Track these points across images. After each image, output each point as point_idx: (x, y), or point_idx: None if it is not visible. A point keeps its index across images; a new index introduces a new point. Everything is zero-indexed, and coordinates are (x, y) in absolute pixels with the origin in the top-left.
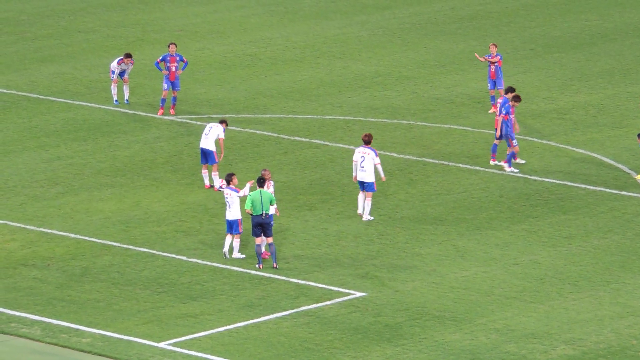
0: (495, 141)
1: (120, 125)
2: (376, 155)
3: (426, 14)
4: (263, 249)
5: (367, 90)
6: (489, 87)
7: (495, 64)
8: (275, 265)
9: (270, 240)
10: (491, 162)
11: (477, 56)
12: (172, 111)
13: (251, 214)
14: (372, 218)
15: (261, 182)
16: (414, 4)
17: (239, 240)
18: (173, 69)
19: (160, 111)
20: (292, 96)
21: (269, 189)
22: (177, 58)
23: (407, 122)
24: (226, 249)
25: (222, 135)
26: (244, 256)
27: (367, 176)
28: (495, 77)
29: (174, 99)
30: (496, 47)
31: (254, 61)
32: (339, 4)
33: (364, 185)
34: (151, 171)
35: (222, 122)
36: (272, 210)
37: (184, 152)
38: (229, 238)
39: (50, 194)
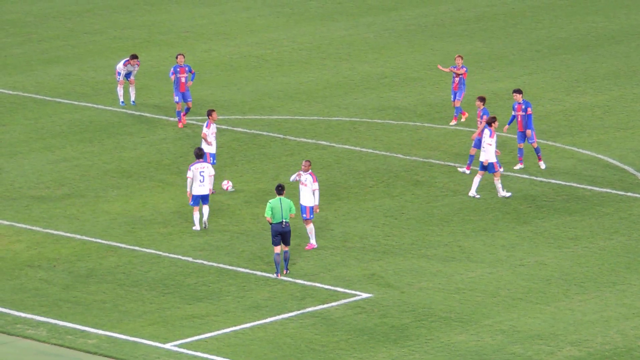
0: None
1: (127, 127)
2: (490, 137)
3: (432, 15)
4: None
5: (373, 91)
6: (452, 98)
7: (460, 76)
8: (286, 271)
9: (286, 247)
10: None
11: (441, 67)
12: (184, 120)
13: (270, 222)
14: (507, 194)
15: (280, 189)
16: (420, 6)
17: (208, 208)
18: (183, 79)
19: (180, 124)
20: (299, 97)
21: (314, 183)
22: (187, 69)
23: (414, 124)
24: (205, 218)
25: (204, 130)
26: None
27: (482, 156)
28: (457, 89)
29: (187, 109)
30: (462, 59)
31: (260, 62)
32: (345, 5)
33: (485, 167)
34: (157, 172)
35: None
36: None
37: (190, 153)
38: (197, 213)
39: (56, 195)
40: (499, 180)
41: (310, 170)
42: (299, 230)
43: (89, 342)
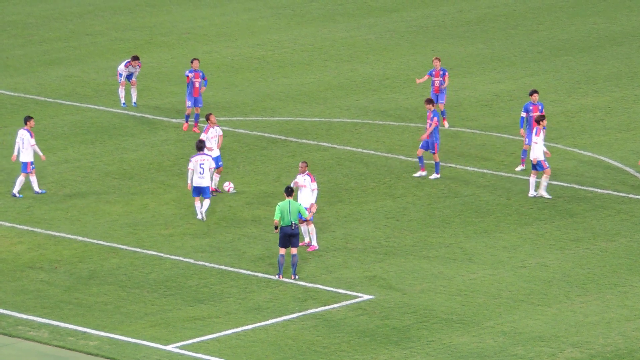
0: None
1: (128, 128)
2: (535, 135)
3: (434, 17)
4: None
5: (375, 93)
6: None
7: (440, 79)
8: (293, 277)
9: (294, 251)
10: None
11: (418, 80)
12: (195, 129)
13: (276, 226)
14: (547, 196)
15: (289, 191)
16: (422, 7)
17: (209, 201)
18: (197, 84)
19: (185, 126)
20: (300, 99)
21: (313, 183)
22: (200, 74)
23: (415, 125)
24: (204, 210)
25: (201, 136)
26: (205, 218)
27: (531, 154)
28: (439, 92)
29: (197, 116)
30: (439, 61)
31: (262, 64)
32: (347, 7)
33: (535, 166)
34: (159, 174)
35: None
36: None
37: (192, 154)
38: (198, 203)
39: (58, 196)
40: (547, 179)
41: (307, 171)
42: (301, 232)
43: (90, 344)
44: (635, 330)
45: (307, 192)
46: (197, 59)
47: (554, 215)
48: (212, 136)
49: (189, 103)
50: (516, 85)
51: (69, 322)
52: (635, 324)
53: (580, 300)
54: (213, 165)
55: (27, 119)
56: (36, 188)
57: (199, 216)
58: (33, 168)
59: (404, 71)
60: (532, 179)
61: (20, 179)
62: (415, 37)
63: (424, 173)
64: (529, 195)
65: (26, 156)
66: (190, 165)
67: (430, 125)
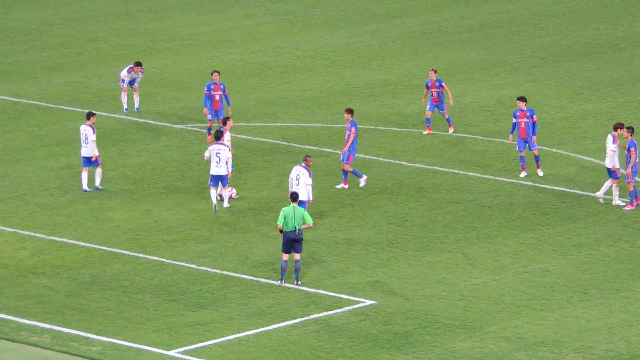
0: (521, 153)
1: (130, 134)
2: (612, 143)
3: (436, 22)
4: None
5: (377, 99)
6: (427, 109)
7: (437, 90)
8: (296, 282)
9: (297, 256)
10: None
11: (423, 101)
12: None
13: (281, 230)
14: (621, 203)
15: (294, 197)
16: (424, 13)
17: (226, 191)
18: (217, 97)
19: (209, 138)
20: (302, 105)
21: (308, 177)
22: (221, 86)
23: (418, 131)
24: (215, 202)
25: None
26: (229, 205)
27: (607, 162)
28: (438, 102)
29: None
30: (435, 72)
31: (264, 70)
32: (349, 13)
33: (609, 172)
34: (161, 179)
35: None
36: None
37: (194, 160)
38: (214, 192)
39: (60, 202)
40: (618, 187)
41: (302, 164)
42: (303, 238)
43: (92, 349)
44: (638, 335)
45: (301, 188)
46: (217, 72)
47: (556, 221)
48: (226, 139)
49: (209, 116)
50: (518, 91)
51: (72, 328)
52: (637, 329)
53: (582, 306)
54: (229, 155)
55: (90, 114)
56: (97, 184)
57: (214, 203)
58: (94, 164)
59: (406, 77)
60: (610, 185)
61: (84, 175)
62: (417, 43)
63: (346, 186)
64: (613, 204)
65: (87, 151)
66: (206, 154)
67: (349, 136)
